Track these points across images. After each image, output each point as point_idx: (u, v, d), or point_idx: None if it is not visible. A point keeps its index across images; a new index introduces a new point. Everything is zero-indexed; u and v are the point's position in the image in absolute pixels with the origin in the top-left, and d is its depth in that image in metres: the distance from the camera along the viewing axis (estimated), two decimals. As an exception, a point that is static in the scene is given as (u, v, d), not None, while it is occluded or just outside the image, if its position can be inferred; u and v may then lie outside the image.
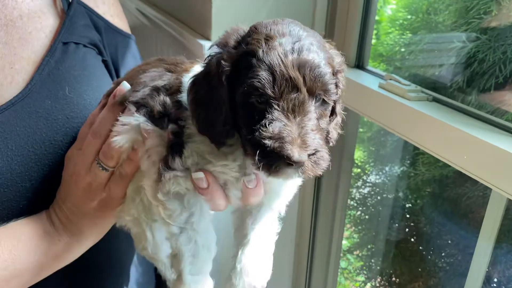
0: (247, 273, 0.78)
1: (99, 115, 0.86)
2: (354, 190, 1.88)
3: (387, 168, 1.83)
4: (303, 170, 0.64)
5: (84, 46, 0.97)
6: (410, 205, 1.69)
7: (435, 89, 1.31)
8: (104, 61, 1.03)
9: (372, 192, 1.87)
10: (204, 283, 0.77)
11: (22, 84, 0.87)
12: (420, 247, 1.69)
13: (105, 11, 1.05)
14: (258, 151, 0.64)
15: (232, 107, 0.69)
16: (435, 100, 1.15)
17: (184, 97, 0.76)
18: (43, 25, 0.93)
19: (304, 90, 0.64)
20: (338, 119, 0.76)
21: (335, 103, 0.72)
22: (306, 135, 0.64)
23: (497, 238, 1.03)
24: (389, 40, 1.69)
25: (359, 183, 1.87)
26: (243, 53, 0.67)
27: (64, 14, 0.97)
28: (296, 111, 0.64)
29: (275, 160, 0.63)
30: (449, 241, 1.56)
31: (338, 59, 0.72)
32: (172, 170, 0.74)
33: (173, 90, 0.79)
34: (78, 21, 0.98)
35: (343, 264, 1.97)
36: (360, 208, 1.90)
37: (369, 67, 1.44)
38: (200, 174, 0.74)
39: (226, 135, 0.71)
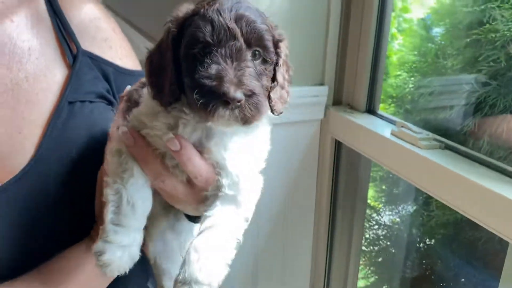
0: (193, 265, 0.72)
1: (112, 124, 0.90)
2: (368, 230, 1.87)
3: (400, 208, 1.82)
4: (240, 111, 0.67)
5: (91, 102, 0.97)
6: (425, 246, 1.67)
7: (446, 133, 1.32)
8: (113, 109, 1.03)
9: (386, 232, 1.86)
10: (124, 235, 0.78)
11: (31, 150, 0.88)
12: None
13: (113, 55, 1.05)
14: (196, 92, 0.67)
15: (178, 67, 0.73)
16: (448, 147, 1.16)
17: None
18: (50, 83, 0.93)
19: (241, 39, 0.69)
20: (282, 91, 0.79)
21: (275, 67, 0.76)
22: (243, 76, 0.67)
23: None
24: (398, 82, 1.72)
25: (372, 222, 1.87)
26: (188, 16, 0.73)
27: (71, 68, 0.97)
28: (233, 56, 0.68)
29: (212, 99, 0.66)
30: (465, 284, 1.54)
31: (278, 30, 0.77)
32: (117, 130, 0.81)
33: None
34: (84, 76, 0.98)
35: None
36: (375, 248, 1.89)
37: (380, 112, 1.46)
38: (124, 128, 0.79)
39: (172, 94, 0.74)
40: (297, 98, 1.46)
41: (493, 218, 0.96)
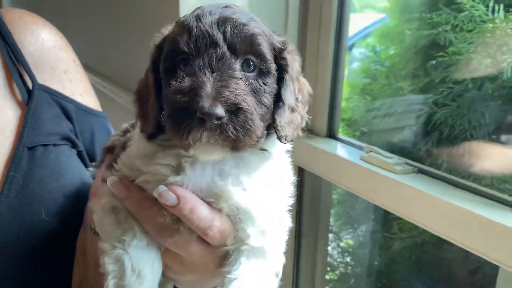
0: None
1: (96, 175, 0.79)
2: (330, 255, 1.84)
3: (358, 231, 1.81)
4: (222, 131, 0.53)
5: (55, 145, 0.83)
6: (388, 269, 1.66)
7: (403, 154, 1.32)
8: (79, 152, 0.89)
9: (348, 256, 1.84)
10: None
11: None
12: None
13: (73, 90, 0.92)
14: (166, 112, 0.55)
15: (159, 90, 0.61)
16: (420, 171, 1.15)
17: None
18: (3, 125, 0.79)
19: (223, 46, 0.57)
20: (292, 115, 0.64)
21: (280, 84, 0.62)
22: (224, 87, 0.54)
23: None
24: (350, 105, 1.72)
25: (333, 246, 1.84)
26: (169, 33, 0.63)
27: (25, 106, 0.82)
28: (213, 66, 0.56)
29: (184, 117, 0.53)
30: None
31: (280, 38, 0.65)
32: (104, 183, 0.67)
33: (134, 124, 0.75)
34: (43, 115, 0.83)
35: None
36: (337, 272, 1.86)
37: (340, 136, 1.44)
38: (114, 179, 0.65)
39: (155, 122, 0.61)
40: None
41: (479, 242, 0.95)
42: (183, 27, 0.59)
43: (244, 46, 0.58)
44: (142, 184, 0.65)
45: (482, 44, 1.22)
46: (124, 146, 0.71)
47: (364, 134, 1.61)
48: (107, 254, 0.63)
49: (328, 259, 1.85)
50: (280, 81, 0.63)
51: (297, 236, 1.55)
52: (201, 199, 0.63)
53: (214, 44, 0.57)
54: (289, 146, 0.70)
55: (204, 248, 0.65)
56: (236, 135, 0.54)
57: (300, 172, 1.48)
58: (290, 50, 0.64)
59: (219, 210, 0.63)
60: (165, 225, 0.64)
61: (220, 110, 0.52)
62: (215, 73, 0.55)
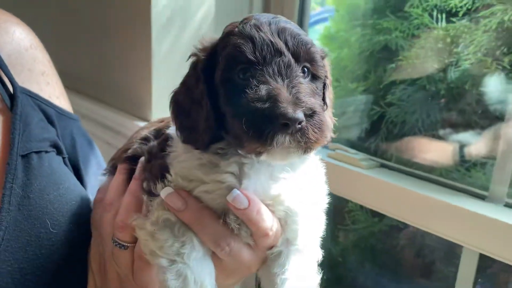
0: None
1: (110, 184, 0.75)
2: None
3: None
4: (303, 134, 0.55)
5: (46, 152, 0.77)
6: (340, 258, 1.77)
7: (357, 149, 1.43)
8: (63, 159, 0.84)
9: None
10: None
11: None
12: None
13: (51, 93, 0.87)
14: (244, 120, 0.55)
15: (212, 99, 0.62)
16: (383, 166, 1.25)
17: (171, 129, 0.70)
18: None
19: (288, 54, 0.59)
20: (330, 110, 0.69)
21: (324, 86, 0.66)
22: (299, 93, 0.56)
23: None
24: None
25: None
26: (217, 42, 0.63)
27: (9, 112, 0.76)
28: (283, 73, 0.58)
29: (267, 124, 0.54)
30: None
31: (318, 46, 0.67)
32: (158, 196, 0.66)
33: (161, 133, 0.73)
34: (31, 119, 0.78)
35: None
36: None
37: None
38: (168, 190, 0.64)
39: (210, 132, 0.62)
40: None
41: (441, 224, 1.07)
42: (243, 36, 0.59)
43: (304, 54, 0.60)
44: (201, 195, 0.64)
45: (428, 49, 1.36)
46: (157, 156, 0.69)
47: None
48: (167, 270, 0.62)
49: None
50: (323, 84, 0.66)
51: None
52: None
53: (279, 53, 0.58)
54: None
55: (252, 253, 0.67)
56: (316, 137, 0.57)
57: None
58: (327, 56, 0.67)
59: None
60: (224, 234, 0.64)
61: (301, 115, 0.54)
62: (286, 80, 0.57)
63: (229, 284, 0.72)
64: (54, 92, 0.88)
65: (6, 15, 0.86)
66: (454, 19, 1.31)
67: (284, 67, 0.58)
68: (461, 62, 1.31)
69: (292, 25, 0.62)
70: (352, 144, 1.51)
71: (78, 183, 0.83)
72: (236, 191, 0.62)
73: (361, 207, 1.62)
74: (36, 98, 0.82)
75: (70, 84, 1.71)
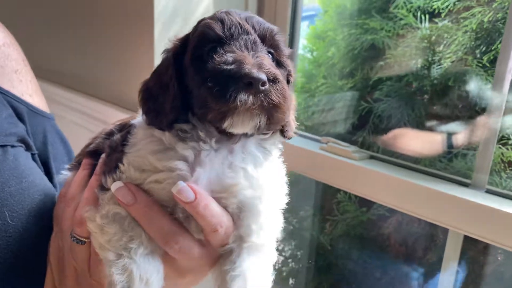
0: None
1: (73, 179, 0.76)
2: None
3: (301, 216, 1.97)
4: (266, 95, 0.56)
5: (12, 146, 0.78)
6: (330, 247, 1.85)
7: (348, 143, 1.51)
8: (32, 156, 0.85)
9: (290, 238, 1.99)
10: None
11: None
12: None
13: (23, 90, 0.87)
14: (209, 80, 0.57)
15: (181, 81, 0.63)
16: (372, 157, 1.33)
17: (136, 120, 0.71)
18: None
19: (254, 34, 0.62)
20: (293, 112, 0.70)
21: (288, 81, 0.67)
22: (263, 61, 0.58)
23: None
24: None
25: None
26: (192, 29, 0.66)
27: None
28: (249, 47, 0.60)
29: (231, 83, 0.55)
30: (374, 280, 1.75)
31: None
32: (108, 190, 0.66)
33: (126, 126, 0.73)
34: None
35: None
36: (283, 254, 2.00)
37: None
38: (118, 184, 0.64)
39: (176, 112, 0.63)
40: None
41: (429, 209, 1.15)
42: (214, 18, 0.62)
43: (268, 38, 0.63)
44: (152, 185, 0.64)
45: (413, 48, 1.45)
46: (116, 149, 0.69)
47: (308, 128, 1.77)
48: (113, 264, 0.62)
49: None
50: (288, 80, 0.68)
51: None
52: (212, 195, 0.63)
53: (246, 32, 0.61)
54: (281, 148, 0.72)
55: (204, 251, 0.66)
56: (278, 101, 0.57)
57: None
58: (293, 56, 0.71)
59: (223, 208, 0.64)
60: (172, 231, 0.63)
61: (264, 76, 0.56)
62: (252, 52, 0.60)
63: (187, 283, 0.71)
64: (27, 90, 0.89)
65: None
66: (436, 20, 1.40)
67: (250, 42, 0.60)
68: (443, 60, 1.41)
69: (260, 18, 0.65)
70: (342, 138, 1.59)
71: (44, 178, 0.84)
72: (181, 183, 0.60)
73: (350, 198, 1.70)
74: (6, 94, 0.83)
75: (70, 82, 1.74)
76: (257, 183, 0.64)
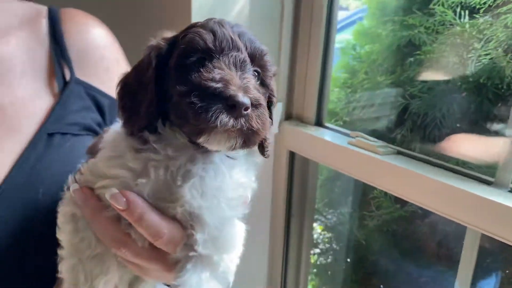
0: None
1: None
2: (316, 233, 2.02)
3: (339, 211, 2.00)
4: (247, 120, 0.56)
5: (74, 135, 0.87)
6: (364, 242, 1.86)
7: (382, 139, 1.52)
8: None
9: (329, 235, 2.03)
10: None
11: None
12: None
13: (110, 86, 0.93)
14: (194, 94, 0.56)
15: (160, 87, 0.62)
16: (399, 153, 1.34)
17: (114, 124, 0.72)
18: (35, 112, 0.86)
19: (245, 52, 0.61)
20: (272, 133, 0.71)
21: (269, 104, 0.67)
22: (249, 84, 0.58)
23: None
24: (332, 97, 1.90)
25: (317, 226, 2.02)
26: (181, 32, 0.64)
27: (58, 97, 0.88)
28: (237, 66, 0.60)
29: (215, 103, 0.55)
30: (406, 275, 1.75)
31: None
32: (68, 190, 0.69)
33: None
34: (71, 106, 0.89)
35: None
36: (320, 247, 2.04)
37: (328, 124, 1.61)
38: (75, 186, 0.67)
39: (149, 117, 0.62)
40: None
41: (448, 206, 1.15)
42: (206, 28, 0.61)
43: (258, 58, 0.63)
44: (100, 191, 0.65)
45: (451, 44, 1.43)
46: (92, 151, 0.72)
47: (346, 123, 1.79)
48: (63, 261, 0.66)
49: (314, 236, 2.03)
50: (270, 100, 0.69)
51: (287, 217, 1.72)
52: (156, 205, 0.64)
53: (237, 48, 0.61)
54: (258, 159, 0.72)
55: (154, 255, 0.66)
56: (256, 128, 0.58)
57: (291, 156, 1.65)
58: (276, 76, 0.70)
59: (171, 218, 0.64)
60: (118, 236, 0.65)
61: (249, 101, 0.56)
62: (239, 72, 0.59)
63: (157, 277, 0.73)
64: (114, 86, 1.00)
65: (87, 18, 0.99)
66: (476, 15, 1.37)
67: (239, 61, 0.60)
68: (482, 57, 1.37)
69: (251, 35, 0.65)
70: (379, 134, 1.60)
71: None
72: (113, 190, 0.62)
73: (385, 194, 1.71)
74: (91, 89, 0.93)
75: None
76: (211, 192, 0.63)
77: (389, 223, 1.70)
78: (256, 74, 0.64)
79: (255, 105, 0.58)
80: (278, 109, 1.60)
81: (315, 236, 2.03)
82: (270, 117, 0.66)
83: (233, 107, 0.55)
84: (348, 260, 1.94)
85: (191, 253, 0.63)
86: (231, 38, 0.61)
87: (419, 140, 1.54)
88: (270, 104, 0.68)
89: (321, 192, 2.03)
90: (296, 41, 1.59)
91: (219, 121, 0.55)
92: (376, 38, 1.76)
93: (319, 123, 1.62)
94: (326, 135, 1.50)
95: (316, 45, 1.54)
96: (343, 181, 1.96)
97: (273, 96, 0.68)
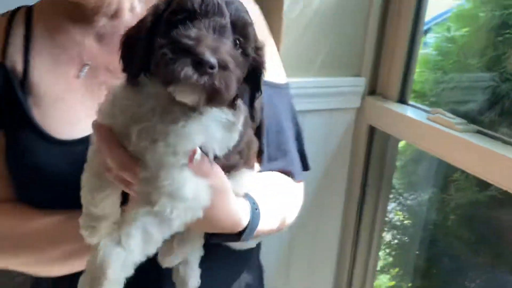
0: None
1: None
2: (391, 215, 2.05)
3: (420, 194, 2.00)
4: (210, 79, 0.59)
5: None
6: (443, 228, 1.85)
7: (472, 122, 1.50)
8: None
9: (407, 217, 2.04)
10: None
11: None
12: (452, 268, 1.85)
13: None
14: (168, 47, 0.60)
15: (153, 39, 0.65)
16: (479, 132, 1.34)
17: None
18: None
19: (228, 19, 0.64)
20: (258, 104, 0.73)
21: (258, 74, 0.71)
22: (221, 47, 0.61)
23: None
24: (421, 78, 1.90)
25: (395, 206, 2.05)
26: None
27: None
28: (216, 30, 0.63)
29: (183, 57, 0.59)
30: (481, 262, 1.72)
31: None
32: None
33: None
34: None
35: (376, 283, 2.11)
36: (395, 231, 2.06)
37: (411, 102, 1.63)
38: (94, 122, 0.71)
39: (139, 68, 0.67)
40: (336, 88, 1.63)
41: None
42: None
43: (240, 27, 0.66)
44: (112, 126, 0.70)
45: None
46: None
47: (433, 104, 1.79)
48: (84, 216, 0.74)
49: (389, 215, 2.06)
50: (256, 71, 0.71)
51: (362, 186, 1.77)
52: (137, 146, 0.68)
53: (221, 14, 0.64)
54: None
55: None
56: (218, 87, 0.60)
57: (371, 131, 1.69)
58: (264, 47, 0.72)
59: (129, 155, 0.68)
60: (124, 158, 0.68)
61: (215, 61, 0.59)
62: (216, 35, 0.63)
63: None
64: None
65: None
66: None
67: (219, 26, 0.63)
68: None
69: (242, 6, 0.68)
70: (467, 117, 1.58)
71: None
72: (94, 122, 0.70)
73: (466, 177, 1.68)
74: None
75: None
76: (158, 137, 0.66)
77: (466, 207, 1.68)
78: (238, 42, 0.66)
79: (222, 66, 0.60)
80: (361, 83, 1.65)
81: (390, 216, 2.05)
82: (256, 88, 0.72)
83: (199, 63, 0.58)
84: (421, 241, 1.94)
85: (138, 190, 0.68)
86: (218, 4, 0.64)
87: (507, 125, 1.51)
88: (258, 75, 0.72)
89: (402, 173, 2.04)
90: (385, 17, 1.62)
91: (183, 73, 0.58)
92: (472, 19, 1.72)
93: (402, 100, 1.64)
94: (407, 111, 1.52)
95: (404, 22, 1.56)
96: (425, 163, 1.95)
97: (262, 68, 0.71)
